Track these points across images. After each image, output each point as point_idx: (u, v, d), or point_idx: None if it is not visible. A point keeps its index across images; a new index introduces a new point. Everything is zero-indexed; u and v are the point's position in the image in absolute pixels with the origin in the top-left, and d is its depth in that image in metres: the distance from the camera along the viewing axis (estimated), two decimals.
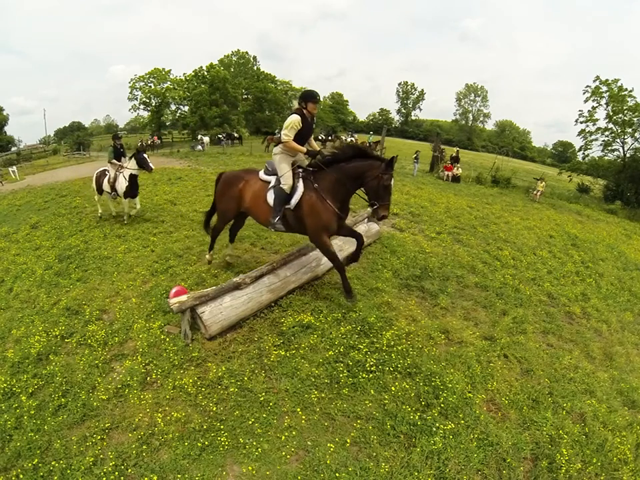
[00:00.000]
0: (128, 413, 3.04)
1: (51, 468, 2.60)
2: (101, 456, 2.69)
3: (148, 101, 38.20)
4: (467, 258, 6.40)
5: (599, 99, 18.55)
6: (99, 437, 2.82)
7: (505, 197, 13.71)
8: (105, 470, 2.56)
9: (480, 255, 6.69)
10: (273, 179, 4.31)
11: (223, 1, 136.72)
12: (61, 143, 38.81)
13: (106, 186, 7.94)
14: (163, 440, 2.80)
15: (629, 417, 3.34)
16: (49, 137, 48.54)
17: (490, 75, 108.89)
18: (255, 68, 49.70)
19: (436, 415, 3.05)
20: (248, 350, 3.72)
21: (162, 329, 3.97)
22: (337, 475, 2.55)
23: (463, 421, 3.02)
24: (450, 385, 3.30)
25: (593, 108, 18.94)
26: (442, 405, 3.12)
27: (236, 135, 31.36)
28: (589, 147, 19.77)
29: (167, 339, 3.79)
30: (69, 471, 2.57)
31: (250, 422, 2.93)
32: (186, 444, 2.75)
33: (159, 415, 3.00)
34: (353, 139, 28.71)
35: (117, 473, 2.54)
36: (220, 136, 28.76)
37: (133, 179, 7.61)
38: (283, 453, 2.72)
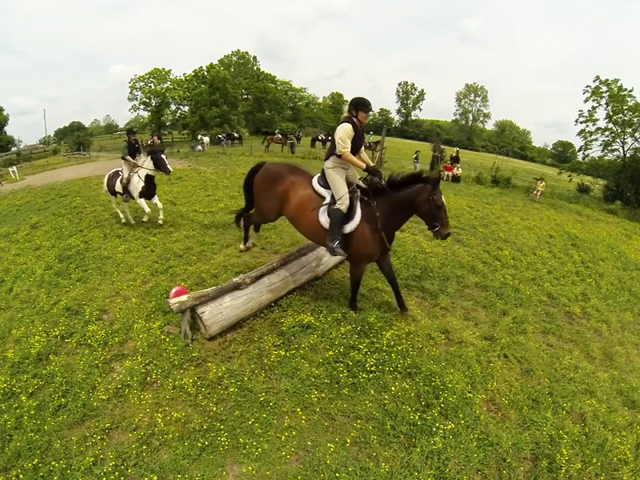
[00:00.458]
0: (128, 413, 3.04)
1: (51, 468, 2.59)
2: (101, 456, 2.69)
3: (148, 101, 38.22)
4: (467, 258, 6.40)
5: (598, 98, 18.53)
6: (99, 437, 2.81)
7: (505, 197, 13.71)
8: (104, 470, 2.56)
9: (480, 255, 6.69)
10: (327, 195, 3.87)
11: (223, 1, 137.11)
12: (61, 143, 38.80)
13: (118, 187, 7.38)
14: (163, 440, 2.80)
15: (629, 417, 3.34)
16: (49, 137, 48.63)
17: (490, 74, 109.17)
18: (255, 68, 49.77)
19: (436, 414, 3.05)
20: (248, 350, 3.72)
21: (162, 329, 3.97)
22: (337, 475, 2.55)
23: (462, 421, 3.02)
24: (450, 385, 3.30)
25: (593, 108, 18.93)
26: (442, 405, 3.12)
27: (236, 135, 31.34)
28: (589, 147, 19.75)
29: (167, 339, 3.79)
30: (68, 471, 2.57)
31: (250, 422, 2.93)
32: (186, 444, 2.75)
33: (159, 414, 3.00)
34: None
35: (116, 473, 2.54)
36: (220, 136, 28.75)
37: (149, 178, 7.16)
38: (283, 453, 2.72)
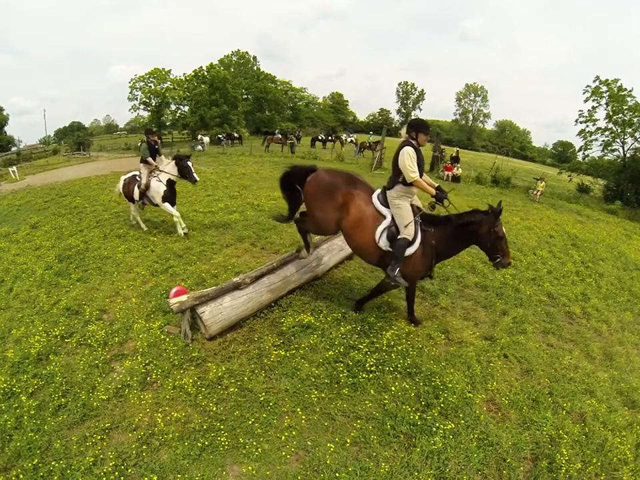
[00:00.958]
0: (128, 413, 3.04)
1: (51, 468, 2.59)
2: (101, 456, 2.69)
3: (148, 101, 38.21)
4: (467, 258, 6.40)
5: (598, 98, 18.52)
6: (99, 437, 2.81)
7: (505, 197, 13.70)
8: (104, 470, 2.56)
9: (480, 255, 6.65)
10: (388, 215, 3.73)
11: (223, 1, 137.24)
12: (61, 143, 38.79)
13: (136, 193, 6.88)
14: (163, 440, 2.80)
15: (629, 417, 3.34)
16: (49, 137, 48.69)
17: (490, 74, 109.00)
18: (255, 68, 49.81)
19: (436, 414, 3.05)
20: (248, 350, 3.72)
21: (162, 329, 3.97)
22: (337, 475, 2.55)
23: (462, 421, 3.02)
24: (450, 385, 3.30)
25: (593, 108, 18.92)
26: (442, 405, 3.12)
27: (236, 135, 31.33)
28: (589, 146, 19.73)
29: (167, 339, 3.79)
30: (68, 471, 2.57)
31: (250, 422, 2.93)
32: (186, 444, 2.75)
33: (159, 414, 3.00)
34: (352, 138, 28.80)
35: (116, 473, 2.54)
36: (220, 136, 28.76)
37: (170, 183, 6.66)
38: (283, 453, 2.72)
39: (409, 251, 3.66)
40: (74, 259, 6.00)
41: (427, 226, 3.75)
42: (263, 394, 3.18)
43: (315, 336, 3.84)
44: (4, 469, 2.65)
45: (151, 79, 38.02)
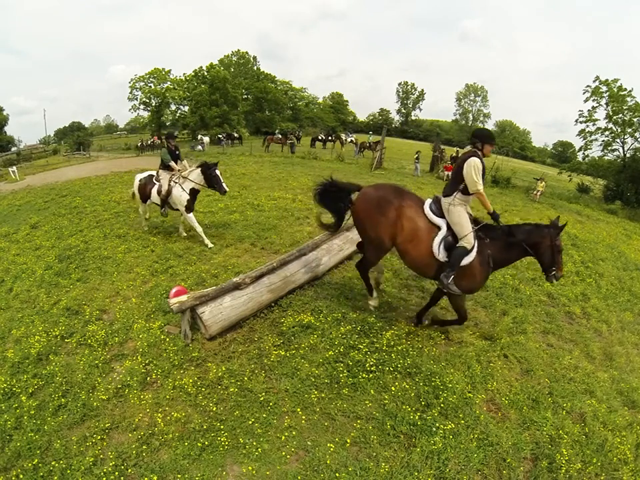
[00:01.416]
0: (128, 413, 3.04)
1: (51, 468, 2.60)
2: (101, 456, 2.69)
3: (148, 101, 38.28)
4: None
5: (598, 98, 18.55)
6: (99, 437, 2.82)
7: (505, 197, 13.71)
8: (104, 470, 2.56)
9: None
10: (443, 225, 3.67)
11: (223, 1, 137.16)
12: (61, 143, 38.85)
13: (155, 197, 6.57)
14: (163, 440, 2.80)
15: (629, 417, 3.34)
16: (49, 137, 48.77)
17: (490, 74, 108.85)
18: (255, 68, 49.81)
19: (436, 415, 3.05)
20: (248, 350, 3.72)
21: (162, 329, 3.97)
22: (337, 475, 2.55)
23: (462, 421, 3.02)
24: (450, 385, 3.30)
25: (593, 108, 18.96)
26: (442, 405, 3.12)
27: (236, 135, 31.34)
28: (588, 147, 19.77)
29: (167, 339, 3.79)
30: (68, 471, 2.57)
31: (250, 422, 2.93)
32: (186, 444, 2.75)
33: (159, 414, 3.00)
34: (352, 138, 28.79)
35: (116, 473, 2.54)
36: (220, 136, 28.75)
37: (193, 192, 6.28)
38: (283, 453, 2.72)
39: (467, 260, 3.58)
40: (74, 259, 6.00)
41: (483, 235, 3.69)
42: (263, 394, 3.18)
43: (315, 336, 3.84)
44: (4, 469, 2.65)
45: (151, 79, 38.08)
